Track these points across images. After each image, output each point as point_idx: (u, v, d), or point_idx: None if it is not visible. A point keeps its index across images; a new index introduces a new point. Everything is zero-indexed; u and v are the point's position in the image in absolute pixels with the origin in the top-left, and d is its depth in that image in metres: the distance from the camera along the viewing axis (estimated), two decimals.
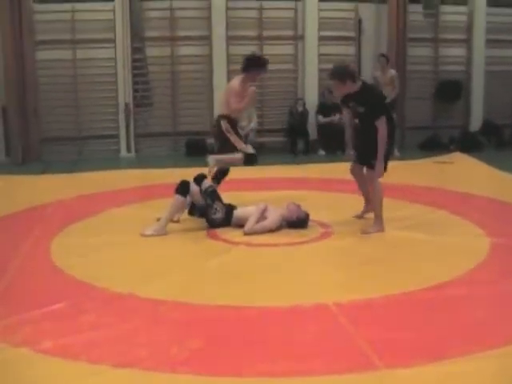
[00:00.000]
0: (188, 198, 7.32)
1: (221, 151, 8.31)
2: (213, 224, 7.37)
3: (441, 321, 4.66)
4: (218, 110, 8.84)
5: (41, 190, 10.10)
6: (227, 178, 8.51)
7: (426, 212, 8.28)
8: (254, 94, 8.45)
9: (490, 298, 5.17)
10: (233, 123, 8.37)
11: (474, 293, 5.25)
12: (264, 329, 4.60)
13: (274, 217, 7.32)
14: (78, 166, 13.04)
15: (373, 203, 7.49)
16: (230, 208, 7.44)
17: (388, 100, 13.27)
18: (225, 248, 6.68)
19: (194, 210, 7.49)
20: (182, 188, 7.27)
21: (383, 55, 14.27)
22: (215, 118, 8.65)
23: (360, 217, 7.92)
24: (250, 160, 8.30)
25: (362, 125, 7.39)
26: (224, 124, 8.23)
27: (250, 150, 8.40)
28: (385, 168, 7.24)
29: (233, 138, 8.22)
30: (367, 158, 7.34)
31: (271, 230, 7.24)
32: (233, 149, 8.20)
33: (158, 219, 7.35)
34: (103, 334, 4.47)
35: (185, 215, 7.71)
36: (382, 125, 7.09)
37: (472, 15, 16.07)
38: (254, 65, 8.33)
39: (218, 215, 7.34)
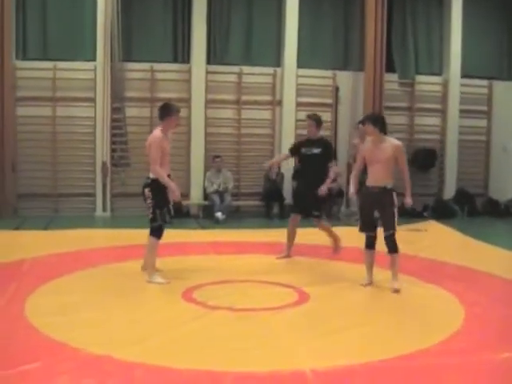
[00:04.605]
0: None
1: (384, 218, 8.36)
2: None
3: None
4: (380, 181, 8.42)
5: (15, 247, 10.08)
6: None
7: (399, 280, 8.35)
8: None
9: (464, 368, 5.20)
10: None
11: (448, 362, 5.28)
12: None
13: None
14: (53, 223, 13.02)
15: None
16: None
17: None
18: (201, 313, 6.65)
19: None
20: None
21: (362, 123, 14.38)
22: (381, 187, 8.31)
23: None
24: None
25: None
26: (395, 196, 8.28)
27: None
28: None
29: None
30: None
31: None
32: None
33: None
34: None
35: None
36: None
37: (447, 85, 16.48)
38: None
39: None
